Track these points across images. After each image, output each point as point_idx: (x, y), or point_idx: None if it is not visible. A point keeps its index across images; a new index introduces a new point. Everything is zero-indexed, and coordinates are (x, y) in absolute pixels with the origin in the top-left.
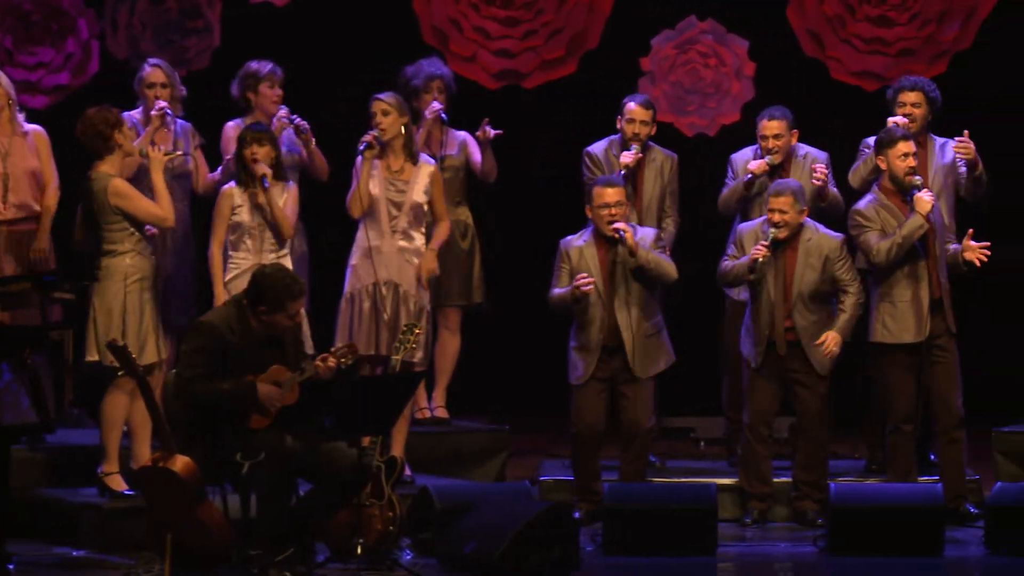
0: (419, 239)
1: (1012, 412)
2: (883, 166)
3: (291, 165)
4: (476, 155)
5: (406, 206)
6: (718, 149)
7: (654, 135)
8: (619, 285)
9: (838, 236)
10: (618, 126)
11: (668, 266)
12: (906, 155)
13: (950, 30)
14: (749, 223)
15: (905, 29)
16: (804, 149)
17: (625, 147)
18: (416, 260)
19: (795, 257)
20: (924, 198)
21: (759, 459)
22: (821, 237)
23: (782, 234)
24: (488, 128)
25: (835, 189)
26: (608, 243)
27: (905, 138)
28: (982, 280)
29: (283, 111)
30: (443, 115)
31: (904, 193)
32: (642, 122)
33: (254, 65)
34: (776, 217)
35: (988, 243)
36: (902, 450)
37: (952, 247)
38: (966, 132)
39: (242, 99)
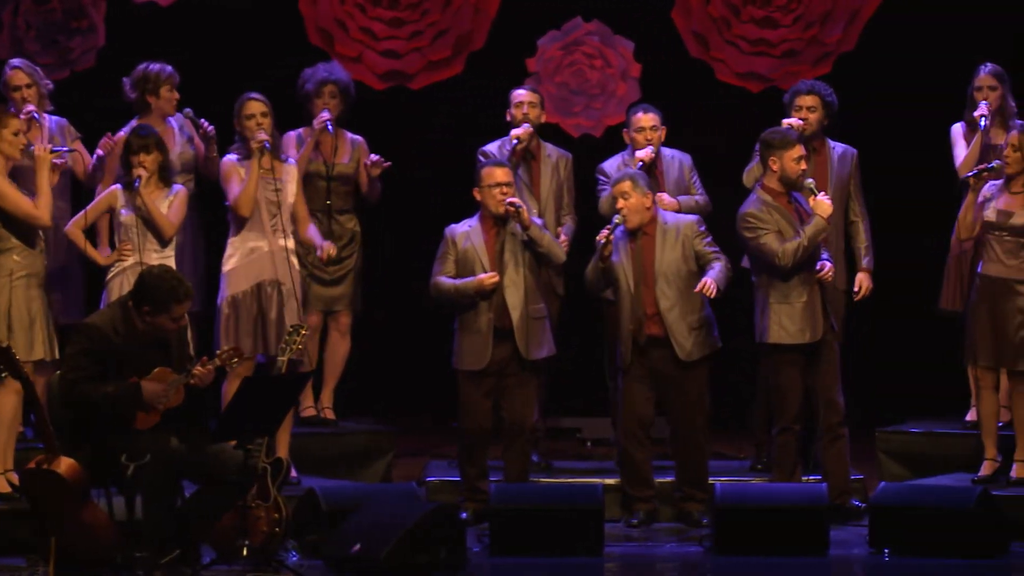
0: (292, 239)
1: (895, 412)
2: (774, 167)
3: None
4: (368, 158)
5: (284, 206)
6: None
7: (544, 128)
8: (508, 265)
9: (693, 217)
10: (507, 118)
11: (558, 248)
12: (800, 158)
13: (834, 32)
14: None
15: (789, 31)
16: (671, 152)
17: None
18: (294, 260)
19: (652, 242)
20: (824, 201)
21: (637, 462)
22: (677, 219)
23: (629, 223)
24: (380, 159)
25: (702, 196)
26: (496, 226)
27: (800, 141)
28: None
29: (188, 111)
30: (329, 126)
31: (791, 194)
32: (529, 103)
33: (153, 67)
34: (620, 203)
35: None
36: (790, 450)
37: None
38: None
39: (139, 101)
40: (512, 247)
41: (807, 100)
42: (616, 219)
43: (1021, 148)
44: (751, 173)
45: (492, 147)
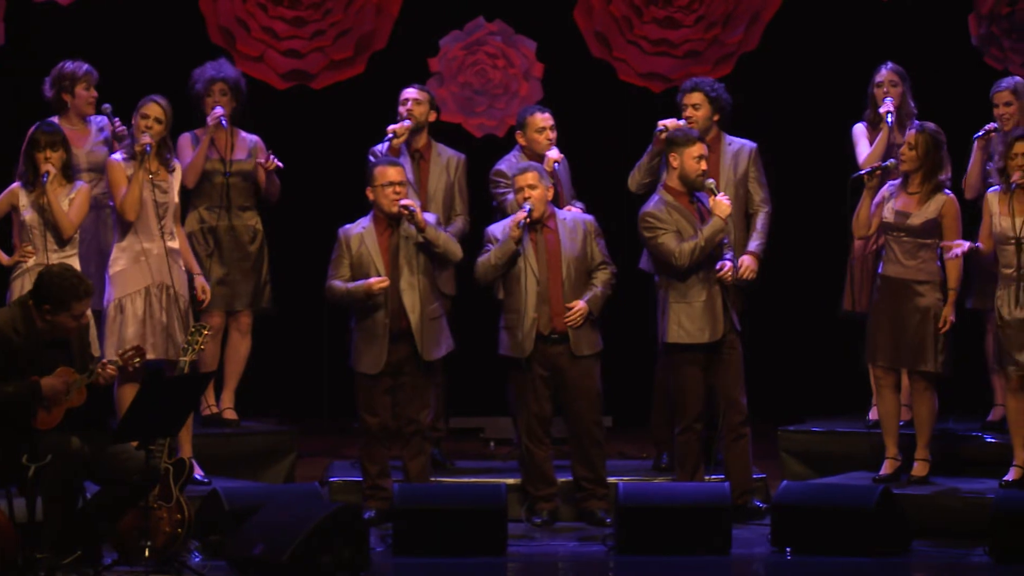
0: (178, 241)
1: (797, 412)
2: (675, 164)
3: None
4: (265, 158)
5: (170, 208)
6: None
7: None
8: (403, 268)
9: (590, 216)
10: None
11: (455, 245)
12: (700, 157)
13: (736, 32)
14: (497, 224)
15: (691, 31)
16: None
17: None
18: (180, 261)
19: (555, 235)
20: (723, 202)
21: (538, 461)
22: (575, 216)
23: (535, 213)
24: (272, 158)
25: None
26: (390, 226)
27: (701, 140)
28: (768, 281)
29: (108, 108)
30: (223, 121)
31: (692, 194)
32: (415, 100)
33: (70, 66)
34: (527, 192)
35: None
36: (692, 449)
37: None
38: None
39: (56, 99)
40: (407, 249)
41: (692, 98)
42: (528, 207)
43: (917, 147)
44: (633, 177)
45: (382, 147)
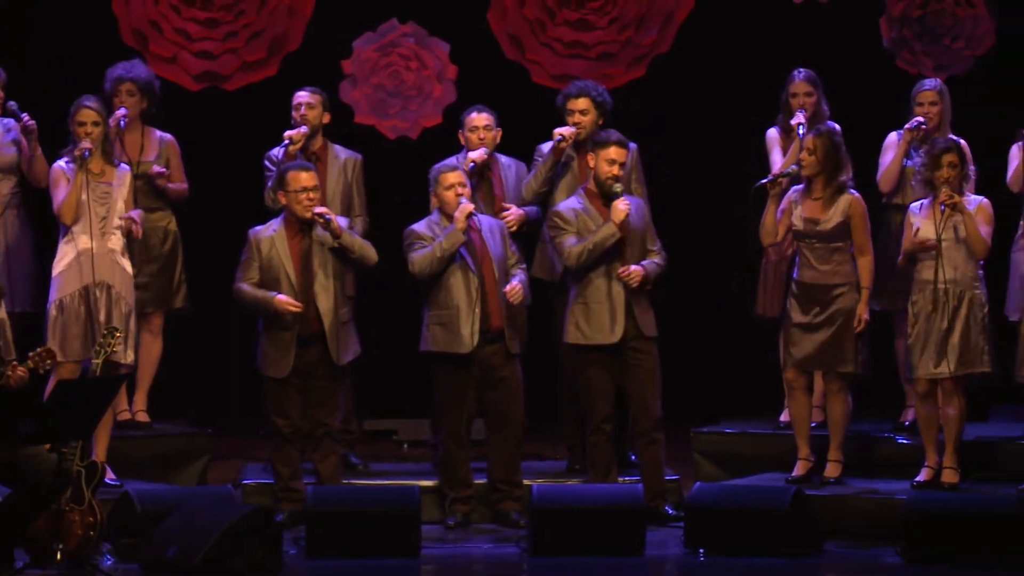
0: (121, 241)
1: (710, 413)
2: (591, 165)
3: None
4: (176, 159)
5: (113, 209)
6: (420, 152)
7: (337, 128)
8: (317, 272)
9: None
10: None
11: (370, 249)
12: (613, 161)
13: (649, 34)
14: (420, 223)
15: (604, 33)
16: (509, 160)
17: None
18: (123, 261)
19: (480, 236)
20: (619, 207)
21: (458, 462)
22: (488, 218)
23: (469, 208)
24: (162, 170)
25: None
26: (301, 230)
27: (621, 144)
28: (682, 283)
29: (12, 105)
30: (122, 123)
31: (606, 198)
32: (307, 104)
33: None
34: (459, 190)
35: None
36: (602, 450)
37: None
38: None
39: None
40: (320, 253)
41: (579, 103)
42: (465, 200)
43: (816, 151)
44: (528, 187)
45: (278, 151)
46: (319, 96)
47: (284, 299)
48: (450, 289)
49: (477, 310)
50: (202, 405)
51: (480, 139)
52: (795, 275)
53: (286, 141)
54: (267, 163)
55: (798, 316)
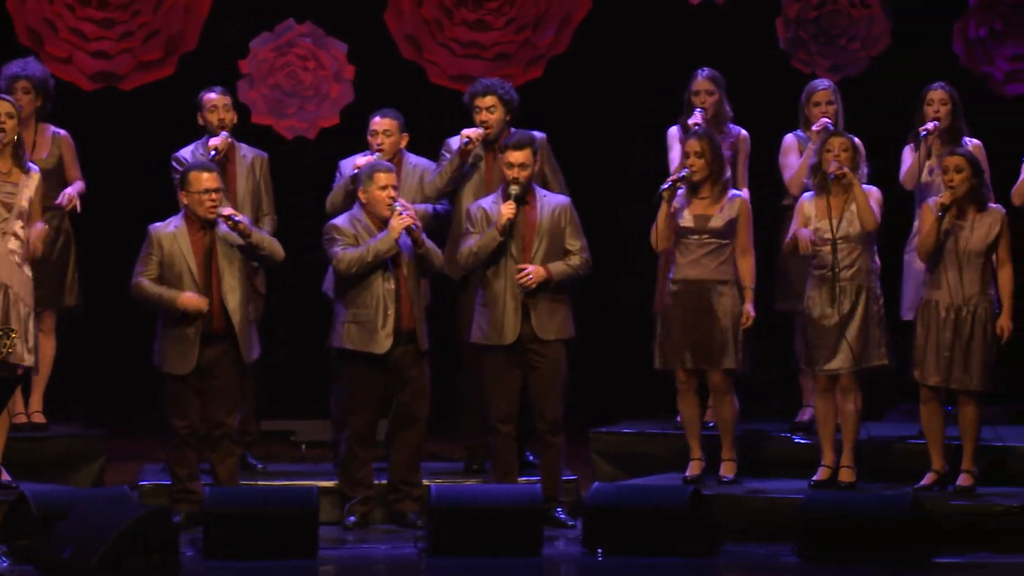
0: (19, 242)
1: (609, 413)
2: (501, 166)
3: None
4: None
5: (15, 209)
6: (317, 151)
7: (235, 128)
8: (224, 270)
9: None
10: (200, 122)
11: (276, 245)
12: (511, 164)
13: (546, 35)
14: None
15: (502, 33)
16: (416, 159)
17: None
18: (24, 264)
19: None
20: (502, 211)
21: (360, 463)
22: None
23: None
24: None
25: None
26: (203, 227)
27: (517, 146)
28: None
29: None
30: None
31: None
32: (224, 106)
33: None
34: (392, 192)
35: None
36: (501, 451)
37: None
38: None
39: None
40: (224, 251)
41: (486, 101)
42: (397, 215)
43: (704, 154)
44: (434, 183)
45: (185, 152)
46: (229, 96)
47: (190, 297)
48: (369, 288)
49: (391, 312)
50: (99, 405)
51: (378, 145)
52: (671, 274)
53: (212, 152)
54: (175, 164)
55: (682, 314)
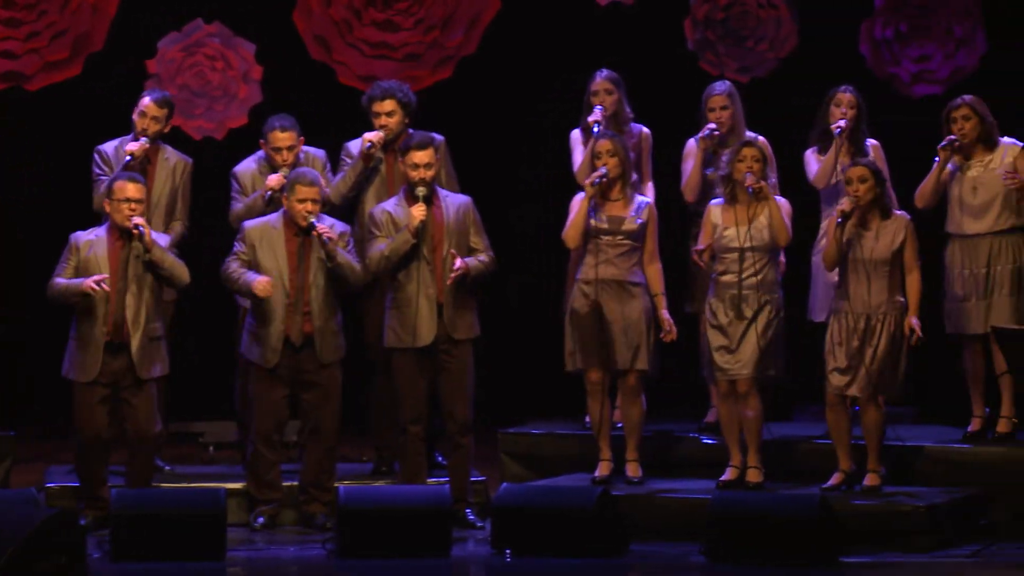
0: None
1: (517, 414)
2: (402, 168)
3: None
4: None
5: None
6: (225, 152)
7: (167, 134)
8: (131, 282)
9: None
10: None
11: (182, 269)
12: (416, 165)
13: (455, 35)
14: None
15: (411, 34)
16: (305, 149)
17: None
18: None
19: (309, 244)
20: (414, 213)
21: (269, 464)
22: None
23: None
24: None
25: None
26: (123, 237)
27: (420, 147)
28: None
29: None
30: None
31: (415, 200)
32: (153, 118)
33: None
34: (310, 207)
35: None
36: (410, 452)
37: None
38: None
39: None
40: (136, 264)
41: (385, 105)
42: (308, 219)
43: (616, 153)
44: (336, 188)
45: (109, 147)
46: (167, 110)
47: (92, 280)
48: (267, 299)
49: (282, 325)
50: (5, 408)
51: (283, 160)
52: (579, 275)
53: (128, 157)
54: (96, 157)
55: (593, 315)
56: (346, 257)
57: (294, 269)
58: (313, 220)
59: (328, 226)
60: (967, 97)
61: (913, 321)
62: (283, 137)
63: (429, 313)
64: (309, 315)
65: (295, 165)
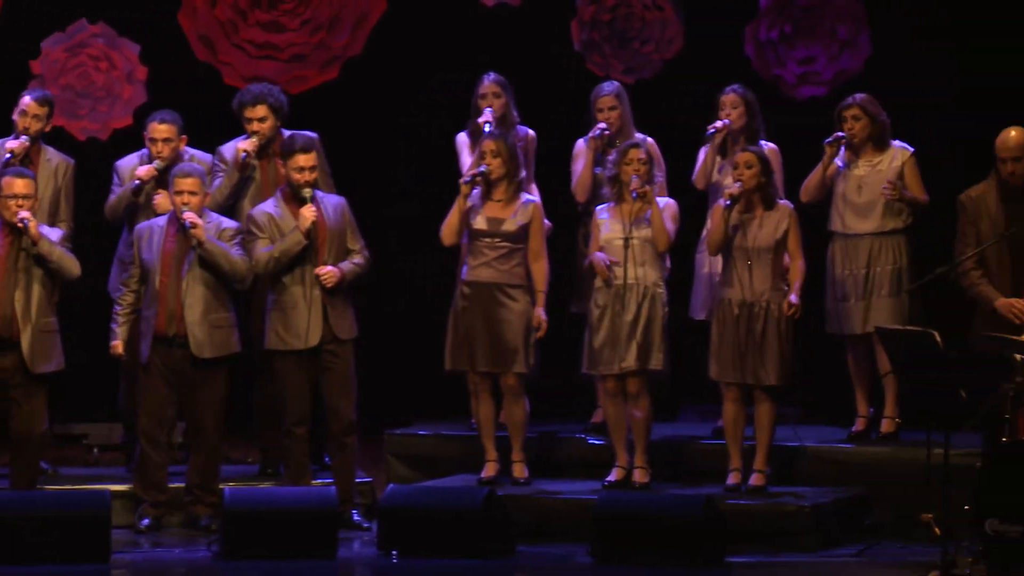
0: None
1: (403, 415)
2: (282, 171)
3: None
4: None
5: None
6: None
7: (49, 134)
8: (21, 275)
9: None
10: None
11: (71, 262)
12: (302, 168)
13: (341, 36)
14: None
15: (296, 35)
16: (191, 152)
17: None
18: None
19: (179, 238)
20: (305, 214)
21: (154, 465)
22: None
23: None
24: None
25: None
26: (12, 233)
27: (304, 150)
28: (377, 285)
29: None
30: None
31: (300, 203)
32: (34, 116)
33: None
34: (185, 198)
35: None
36: (295, 453)
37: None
38: None
39: None
40: (26, 259)
41: (257, 111)
42: (186, 221)
43: (500, 154)
44: (219, 190)
45: None
46: (47, 108)
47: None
48: (146, 295)
49: (154, 318)
50: None
51: (158, 152)
52: (463, 275)
53: (7, 155)
54: None
55: (475, 316)
56: (218, 245)
57: (168, 264)
58: (185, 210)
59: (215, 223)
60: (859, 96)
61: (792, 298)
62: (160, 128)
63: (317, 315)
64: (182, 312)
65: (175, 162)
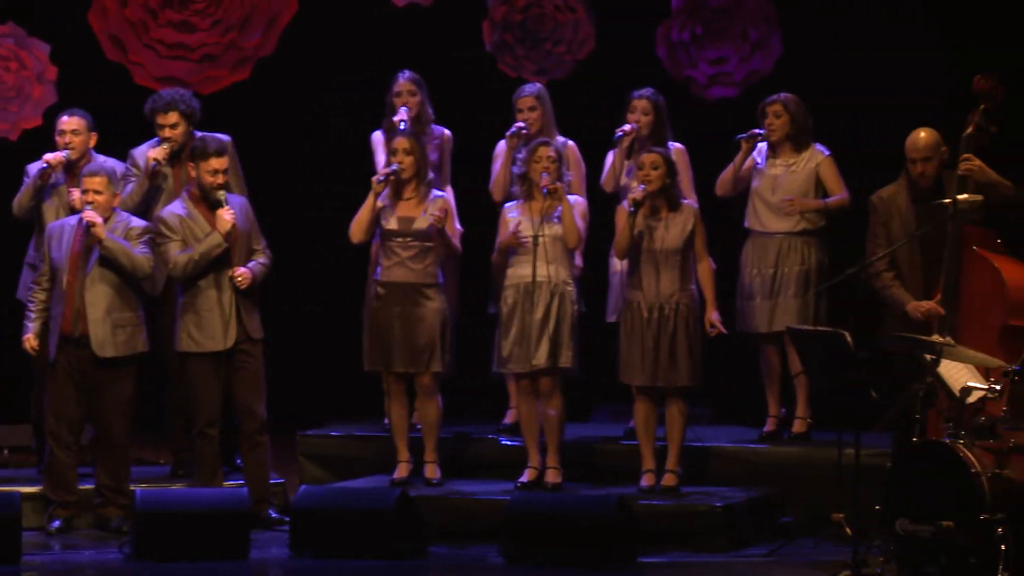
0: None
1: (315, 416)
2: (193, 174)
3: None
4: None
5: None
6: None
7: None
8: None
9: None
10: None
11: None
12: (215, 171)
13: (253, 36)
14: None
15: (208, 35)
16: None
17: None
18: None
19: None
20: (225, 217)
21: (63, 467)
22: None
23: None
24: None
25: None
26: None
27: (218, 153)
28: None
29: None
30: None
31: (211, 206)
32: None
33: None
34: (90, 197)
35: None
36: (207, 454)
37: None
38: None
39: None
40: None
41: (169, 118)
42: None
43: (412, 152)
44: (131, 196)
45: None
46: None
47: None
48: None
49: (59, 316)
50: None
51: (67, 144)
52: (377, 275)
53: (44, 164)
54: None
55: (389, 316)
56: (119, 243)
57: (75, 263)
58: (87, 208)
59: (123, 221)
60: (783, 95)
61: (714, 316)
62: (68, 121)
63: (233, 317)
64: (84, 311)
65: (86, 158)
